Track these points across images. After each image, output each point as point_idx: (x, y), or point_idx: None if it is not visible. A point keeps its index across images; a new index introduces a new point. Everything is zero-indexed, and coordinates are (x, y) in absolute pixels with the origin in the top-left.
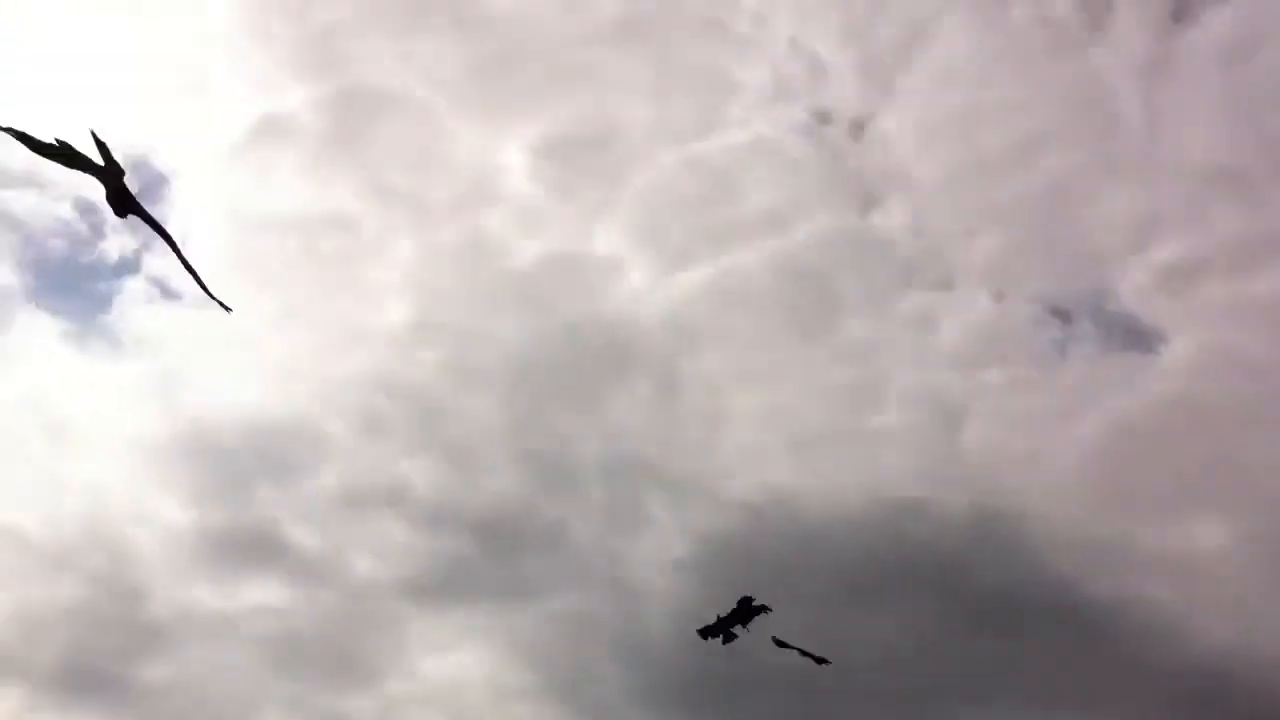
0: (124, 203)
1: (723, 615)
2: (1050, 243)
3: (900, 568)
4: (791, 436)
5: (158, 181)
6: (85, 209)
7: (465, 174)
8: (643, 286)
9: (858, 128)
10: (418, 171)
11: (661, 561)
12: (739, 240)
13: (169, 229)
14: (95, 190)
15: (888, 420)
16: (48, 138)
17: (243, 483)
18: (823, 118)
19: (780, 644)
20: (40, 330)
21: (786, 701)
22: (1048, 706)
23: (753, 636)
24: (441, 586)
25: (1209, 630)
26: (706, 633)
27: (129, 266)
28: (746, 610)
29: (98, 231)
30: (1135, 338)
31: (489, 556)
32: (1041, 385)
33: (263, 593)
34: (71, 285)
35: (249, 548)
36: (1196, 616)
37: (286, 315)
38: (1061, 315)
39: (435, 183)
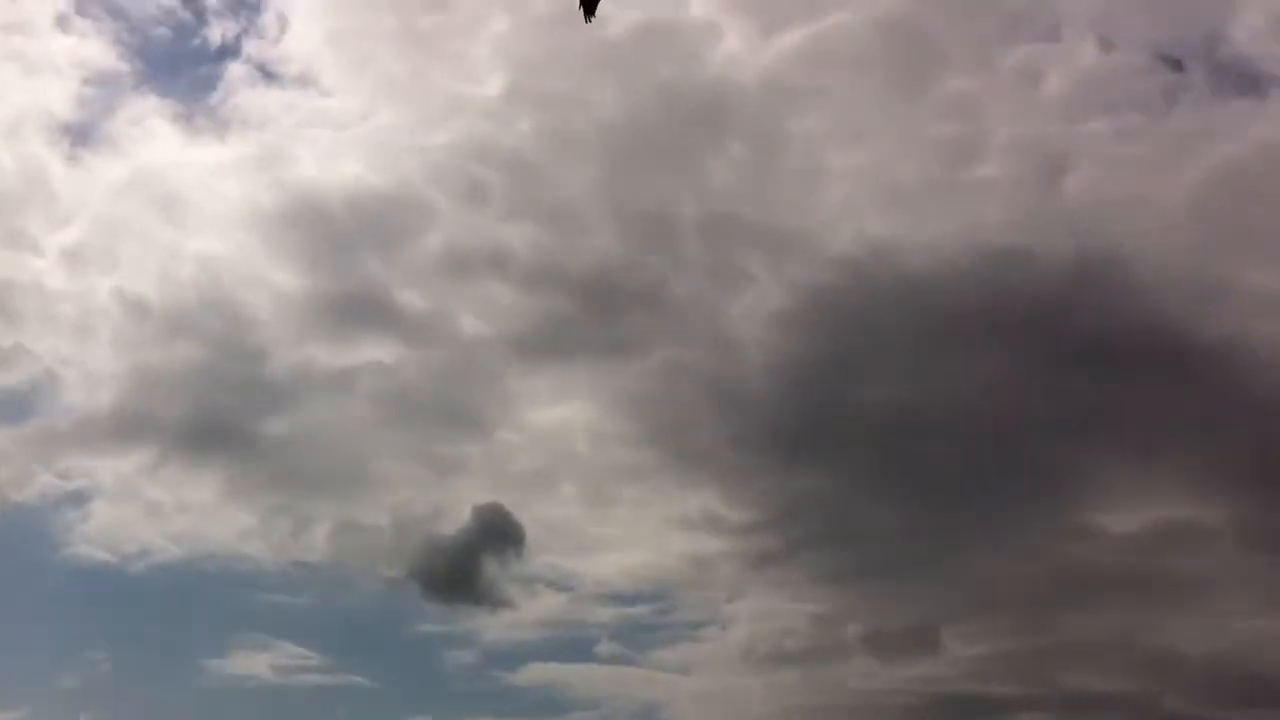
0: None
1: None
2: None
3: (1002, 315)
4: (890, 191)
5: None
6: None
7: None
8: (739, 51)
9: None
10: None
11: (759, 315)
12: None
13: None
14: None
15: (989, 172)
16: None
17: (351, 251)
18: None
19: None
20: (149, 112)
21: (882, 445)
22: (1151, 444)
23: None
24: (545, 343)
25: None
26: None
27: (231, 51)
28: None
29: (200, 18)
30: (1248, 83)
31: (590, 314)
32: (1149, 133)
33: (375, 351)
34: (177, 70)
35: (360, 311)
36: None
37: (385, 91)
38: (1172, 63)
39: None
